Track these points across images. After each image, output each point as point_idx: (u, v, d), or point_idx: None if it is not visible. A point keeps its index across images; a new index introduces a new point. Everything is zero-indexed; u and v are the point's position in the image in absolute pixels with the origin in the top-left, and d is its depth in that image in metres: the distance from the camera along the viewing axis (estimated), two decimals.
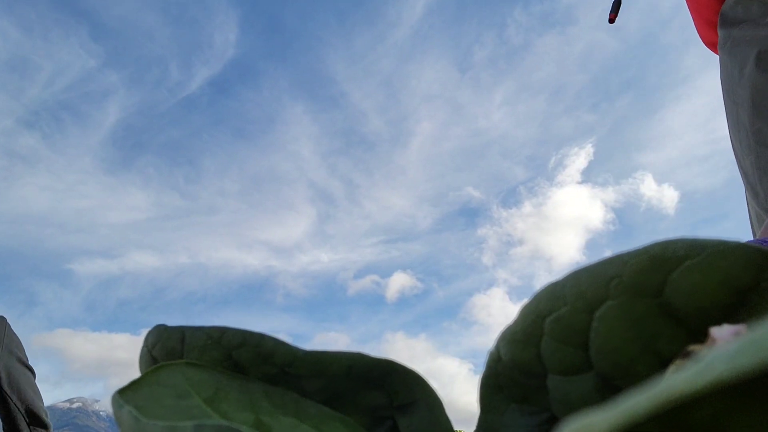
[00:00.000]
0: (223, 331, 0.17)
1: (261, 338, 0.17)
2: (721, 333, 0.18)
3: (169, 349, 0.17)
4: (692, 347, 0.19)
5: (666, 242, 0.19)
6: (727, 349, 0.08)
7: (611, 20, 0.76)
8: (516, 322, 0.20)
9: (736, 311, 0.18)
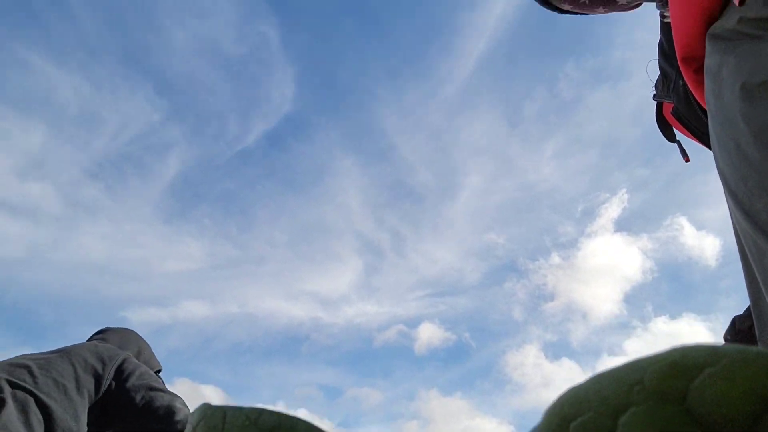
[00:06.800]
0: (260, 413, 0.19)
1: (295, 422, 0.19)
2: None
3: (211, 427, 0.19)
4: None
5: (684, 348, 0.19)
6: None
7: (686, 161, 0.90)
8: (541, 427, 0.20)
9: (761, 418, 0.17)
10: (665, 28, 0.80)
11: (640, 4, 0.72)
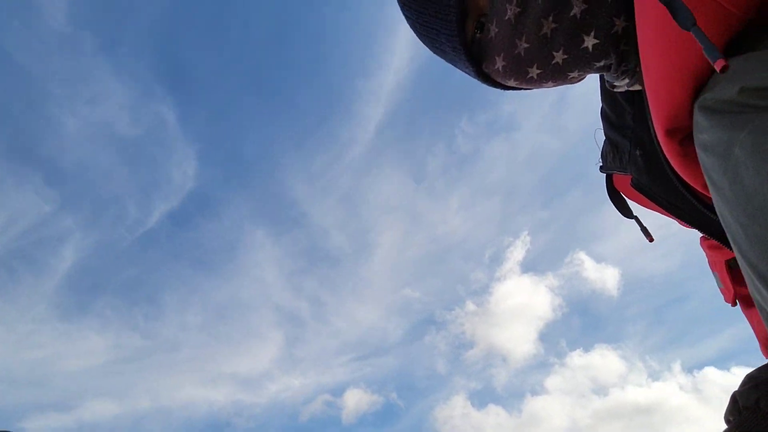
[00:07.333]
0: None
1: None
2: None
3: None
4: None
5: None
6: None
7: (650, 240, 0.89)
8: None
9: None
10: (609, 97, 0.78)
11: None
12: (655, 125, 0.57)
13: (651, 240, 0.88)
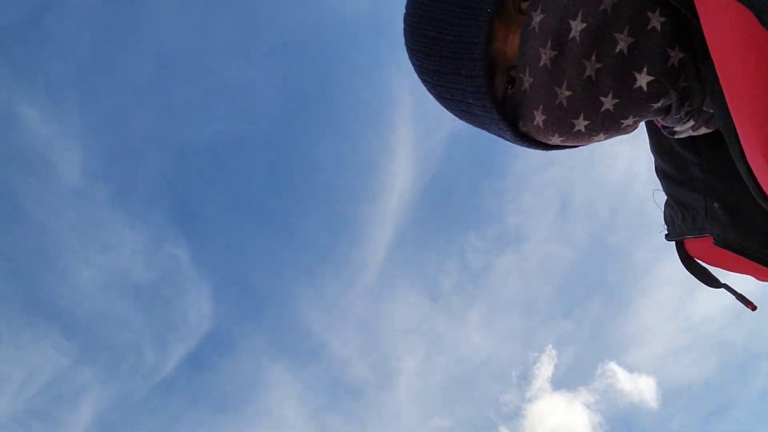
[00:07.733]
0: None
1: None
2: None
3: None
4: None
5: None
6: None
7: (753, 309, 0.76)
8: None
9: None
10: (665, 150, 0.69)
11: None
12: (753, 160, 0.47)
13: (753, 308, 0.74)
